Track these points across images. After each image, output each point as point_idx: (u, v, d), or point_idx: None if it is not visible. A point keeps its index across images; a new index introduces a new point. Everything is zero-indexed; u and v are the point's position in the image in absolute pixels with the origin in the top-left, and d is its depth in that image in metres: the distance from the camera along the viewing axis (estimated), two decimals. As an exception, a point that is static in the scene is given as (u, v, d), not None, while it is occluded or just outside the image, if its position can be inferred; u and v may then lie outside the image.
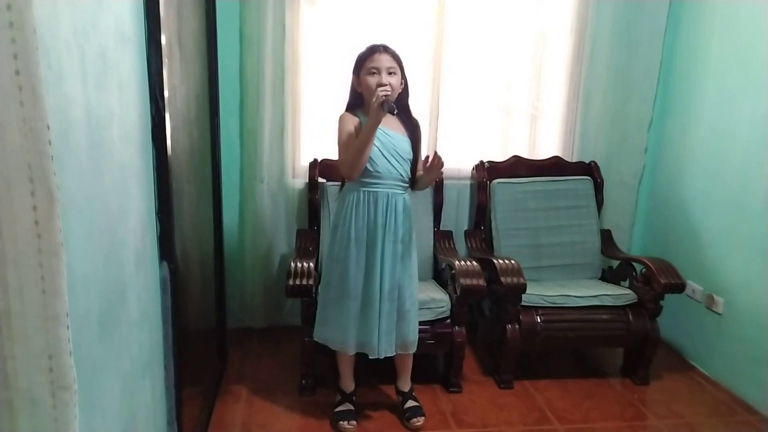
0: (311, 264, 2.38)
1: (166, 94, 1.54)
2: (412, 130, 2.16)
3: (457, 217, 3.09)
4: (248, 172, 2.87)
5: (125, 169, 1.31)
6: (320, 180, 2.84)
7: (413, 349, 2.23)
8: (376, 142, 2.04)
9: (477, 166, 3.02)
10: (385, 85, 1.96)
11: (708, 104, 2.79)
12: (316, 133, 2.97)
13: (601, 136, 3.09)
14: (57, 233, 0.71)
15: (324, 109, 2.94)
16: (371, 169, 2.06)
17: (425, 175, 2.09)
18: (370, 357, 2.15)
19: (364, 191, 2.09)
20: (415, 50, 2.91)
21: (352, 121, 2.09)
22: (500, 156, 3.08)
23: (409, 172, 2.13)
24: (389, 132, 2.08)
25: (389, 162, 2.07)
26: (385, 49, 2.06)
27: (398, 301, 2.14)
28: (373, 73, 2.03)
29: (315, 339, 2.23)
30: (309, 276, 2.31)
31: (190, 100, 2.00)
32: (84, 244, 1.06)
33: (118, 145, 1.26)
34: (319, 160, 2.88)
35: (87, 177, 1.08)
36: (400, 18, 2.89)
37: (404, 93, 2.13)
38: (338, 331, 2.15)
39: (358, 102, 2.15)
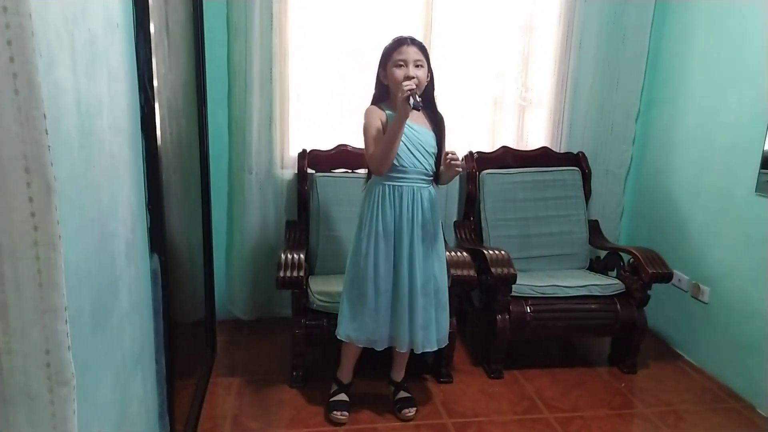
0: (301, 255, 2.37)
1: (155, 82, 1.51)
2: (437, 123, 2.14)
3: (446, 207, 3.09)
4: (236, 162, 2.84)
5: (115, 159, 1.29)
6: (309, 171, 2.82)
7: (445, 342, 2.22)
8: (402, 137, 2.02)
9: (466, 156, 3.02)
10: (411, 78, 1.95)
11: (694, 94, 2.82)
12: (305, 122, 2.95)
13: (588, 126, 3.11)
14: (54, 225, 0.69)
15: (313, 99, 2.92)
16: (396, 163, 2.03)
17: (445, 171, 2.10)
18: (399, 350, 2.16)
19: (389, 185, 2.07)
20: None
21: (379, 115, 2.07)
22: (489, 146, 3.08)
23: (433, 166, 2.11)
24: (414, 126, 2.06)
25: (414, 156, 2.05)
26: (412, 41, 2.03)
27: (435, 296, 2.14)
28: (400, 65, 2.00)
29: (340, 337, 2.17)
30: (299, 267, 2.30)
31: (178, 89, 1.97)
32: (75, 235, 1.03)
33: (108, 134, 1.23)
34: (308, 151, 2.85)
35: (78, 167, 1.06)
36: (388, 7, 2.87)
37: (430, 86, 2.11)
38: (369, 327, 2.12)
39: (384, 95, 2.12)
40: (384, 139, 1.99)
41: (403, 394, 2.32)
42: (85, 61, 1.08)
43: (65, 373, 0.75)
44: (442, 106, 2.95)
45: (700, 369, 2.73)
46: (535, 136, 3.18)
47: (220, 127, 2.80)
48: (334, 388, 2.31)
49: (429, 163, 2.09)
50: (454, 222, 3.06)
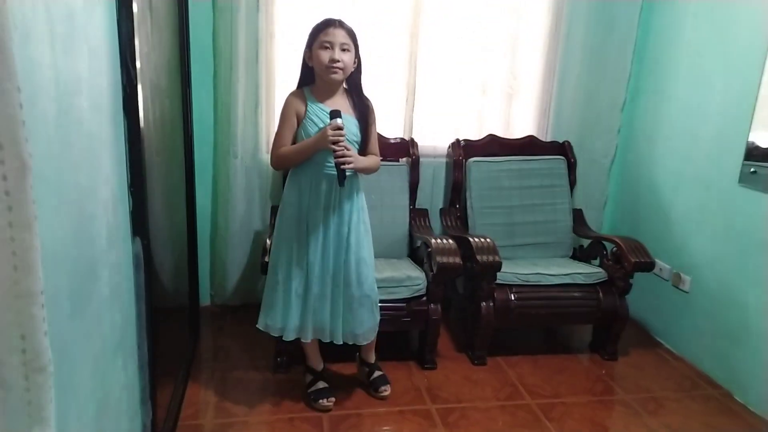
0: (286, 241, 2.34)
1: (137, 61, 1.47)
2: (363, 110, 2.09)
3: (433, 195, 3.08)
4: (221, 146, 2.79)
5: (95, 139, 1.25)
6: (295, 155, 2.78)
7: (364, 342, 2.17)
8: (321, 124, 2.00)
9: (453, 144, 3.01)
10: (339, 68, 1.95)
11: (681, 84, 2.83)
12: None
13: (575, 115, 3.10)
14: (29, 205, 0.66)
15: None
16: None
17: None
18: (303, 340, 2.14)
19: (308, 172, 2.05)
20: (392, 26, 2.85)
21: (295, 107, 2.04)
22: (476, 134, 3.07)
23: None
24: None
25: None
26: (340, 24, 1.99)
27: (347, 289, 2.09)
28: (326, 47, 1.97)
29: (258, 326, 2.15)
30: (284, 253, 2.27)
31: (162, 69, 1.92)
32: (52, 217, 1.00)
33: (88, 113, 1.19)
34: (293, 135, 2.81)
35: (55, 146, 1.02)
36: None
37: (356, 72, 2.07)
38: (280, 316, 2.10)
39: (309, 77, 2.08)
40: (295, 149, 2.02)
41: (377, 373, 2.33)
42: (62, 36, 1.04)
43: (41, 360, 0.72)
44: (430, 94, 2.98)
45: (680, 357, 2.76)
46: (522, 125, 3.17)
47: (205, 110, 2.75)
48: (309, 378, 2.29)
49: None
50: (440, 209, 3.05)
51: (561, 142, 3.09)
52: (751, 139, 2.39)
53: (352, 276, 2.09)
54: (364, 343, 2.19)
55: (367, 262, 2.13)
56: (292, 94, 2.08)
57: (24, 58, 0.87)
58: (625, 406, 2.36)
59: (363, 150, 2.10)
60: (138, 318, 1.59)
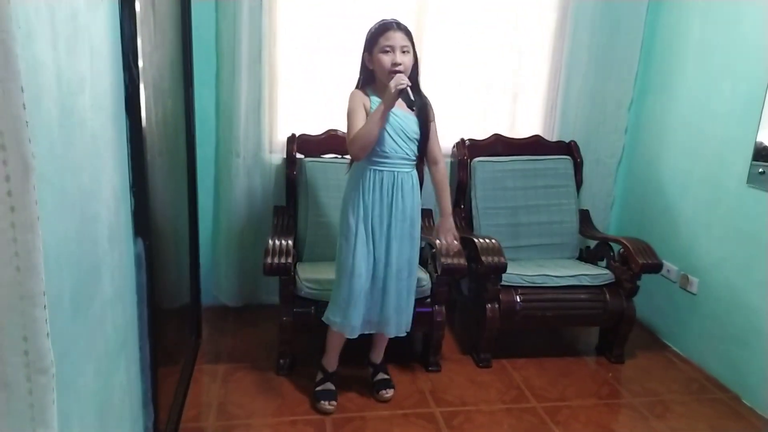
0: (289, 241, 2.33)
1: (140, 61, 1.46)
2: (421, 108, 2.11)
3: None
4: (224, 146, 2.79)
5: (97, 139, 1.24)
6: (298, 155, 2.77)
7: (403, 334, 2.21)
8: (390, 118, 2.01)
9: (458, 143, 2.99)
10: (401, 71, 1.95)
11: (688, 84, 2.81)
12: (294, 106, 2.89)
13: (581, 115, 3.08)
14: (32, 206, 0.65)
15: (303, 82, 2.87)
16: (377, 149, 2.02)
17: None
18: (387, 334, 2.19)
19: (371, 170, 2.06)
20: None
21: (362, 100, 2.05)
22: (481, 134, 3.05)
23: (416, 151, 2.09)
24: (396, 112, 2.03)
25: (395, 142, 2.03)
26: (398, 25, 2.00)
27: (408, 279, 2.16)
28: (387, 51, 1.97)
29: (324, 320, 2.19)
30: (287, 254, 2.27)
31: (164, 68, 1.91)
32: (55, 218, 0.99)
33: (90, 113, 1.18)
34: (297, 135, 2.80)
35: (57, 146, 1.01)
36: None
37: (414, 70, 2.07)
38: (345, 312, 2.11)
39: (369, 79, 2.09)
40: (366, 124, 1.99)
41: (381, 375, 2.33)
42: (66, 36, 1.03)
43: (44, 361, 0.71)
44: (435, 92, 2.95)
45: (687, 359, 2.74)
46: (527, 124, 3.15)
47: (207, 110, 2.74)
48: (320, 376, 2.29)
49: (411, 149, 2.08)
50: (445, 210, 3.03)
51: (567, 141, 3.07)
52: (759, 139, 2.36)
53: (412, 267, 2.17)
54: (405, 333, 2.22)
55: (417, 259, 2.22)
56: (356, 90, 2.08)
57: (27, 58, 0.87)
58: (632, 410, 2.34)
59: (422, 148, 2.11)
60: (140, 319, 1.58)
